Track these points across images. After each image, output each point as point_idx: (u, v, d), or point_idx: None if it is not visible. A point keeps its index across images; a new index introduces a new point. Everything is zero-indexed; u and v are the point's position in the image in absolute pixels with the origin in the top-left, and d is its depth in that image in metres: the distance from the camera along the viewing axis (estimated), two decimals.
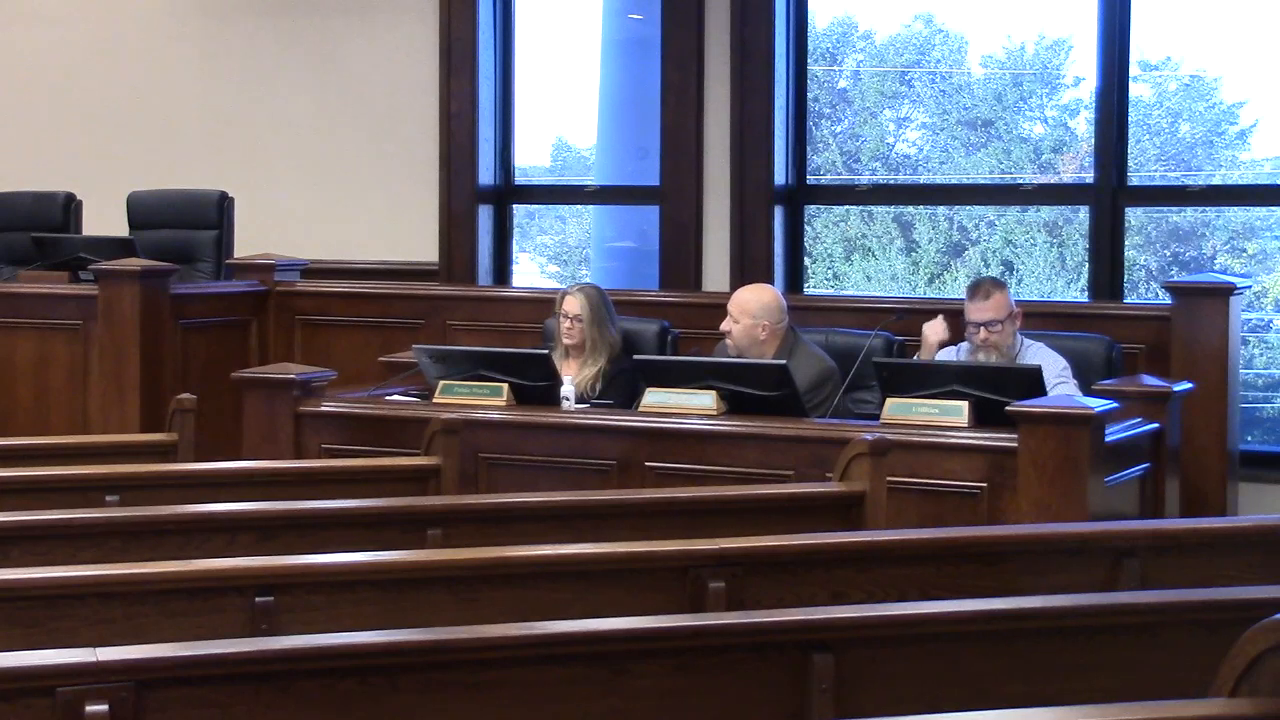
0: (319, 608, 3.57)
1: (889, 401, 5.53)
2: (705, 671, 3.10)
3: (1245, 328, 7.23)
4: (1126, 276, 7.49)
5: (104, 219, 8.39)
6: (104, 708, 2.76)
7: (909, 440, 5.23)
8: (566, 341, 6.55)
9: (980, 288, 6.11)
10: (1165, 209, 7.79)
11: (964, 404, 5.39)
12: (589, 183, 8.88)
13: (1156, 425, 5.58)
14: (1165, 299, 6.61)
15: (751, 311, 6.22)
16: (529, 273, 9.09)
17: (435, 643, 3.01)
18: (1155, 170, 7.87)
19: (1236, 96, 7.81)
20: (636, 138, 8.59)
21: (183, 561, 3.85)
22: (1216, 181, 7.83)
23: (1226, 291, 6.42)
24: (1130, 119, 7.46)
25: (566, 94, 8.98)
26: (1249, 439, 7.30)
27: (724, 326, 6.26)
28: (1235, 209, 7.74)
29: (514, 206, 8.64)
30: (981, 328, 6.05)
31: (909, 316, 6.63)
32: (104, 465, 5.04)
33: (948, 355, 6.29)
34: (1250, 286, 7.07)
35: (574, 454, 5.67)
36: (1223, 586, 3.85)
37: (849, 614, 3.31)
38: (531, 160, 8.94)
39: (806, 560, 3.88)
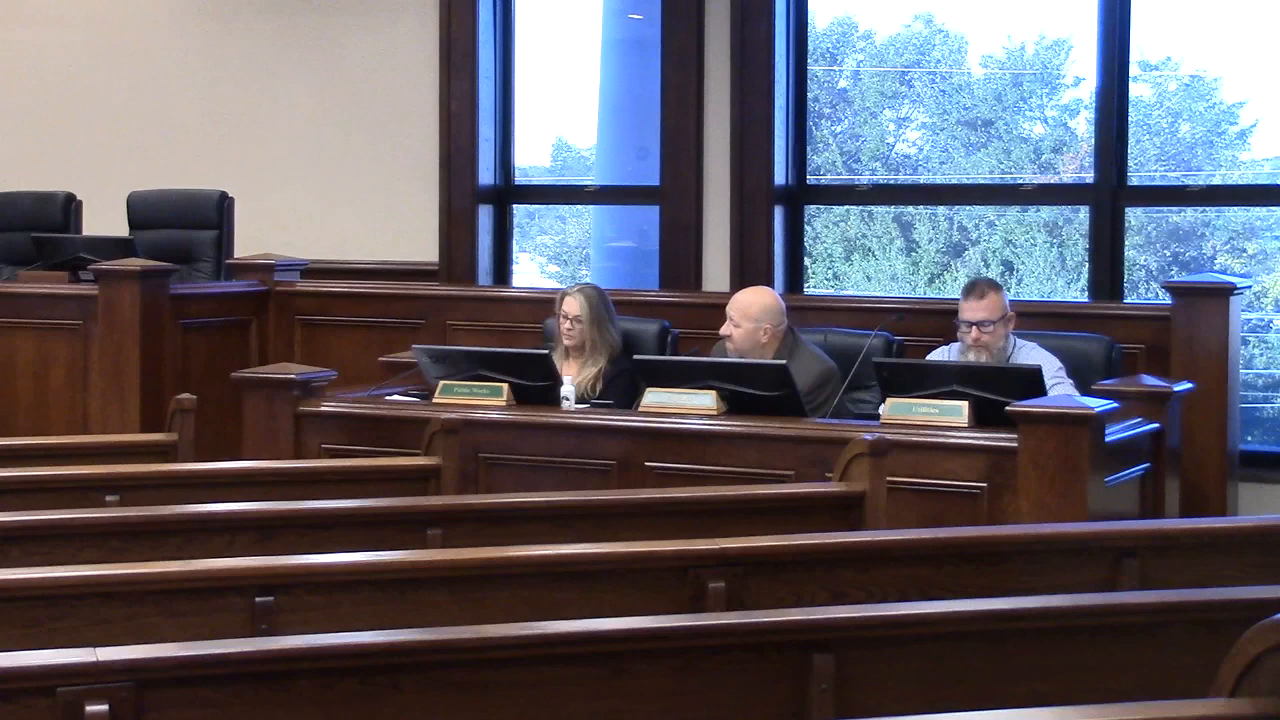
0: (319, 608, 3.57)
1: (889, 401, 5.53)
2: (705, 671, 3.10)
3: (1245, 328, 7.23)
4: (1126, 276, 7.49)
5: (104, 219, 8.39)
6: (104, 708, 2.76)
7: (909, 440, 5.23)
8: (566, 342, 6.55)
9: (976, 287, 6.12)
10: (1165, 209, 7.79)
11: (964, 404, 5.39)
12: (589, 183, 8.88)
13: (1156, 425, 5.58)
14: (1165, 299, 6.61)
15: (753, 315, 6.21)
16: (529, 273, 9.09)
17: (435, 643, 3.01)
18: (1155, 170, 7.87)
19: (1236, 96, 7.81)
20: (636, 138, 8.59)
21: (183, 561, 3.84)
22: (1216, 181, 7.83)
23: (1226, 291, 6.42)
24: (1130, 119, 7.46)
25: (566, 94, 8.99)
26: (1249, 439, 7.30)
27: (724, 331, 6.24)
28: (1235, 209, 7.74)
29: (514, 206, 8.64)
30: (974, 327, 6.05)
31: (909, 316, 6.64)
32: (104, 465, 5.04)
33: (939, 355, 6.29)
34: (1250, 286, 7.07)
35: (574, 454, 5.67)
36: (1223, 586, 3.85)
37: (849, 614, 3.31)
38: (531, 160, 8.95)
39: (806, 560, 3.88)
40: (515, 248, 8.73)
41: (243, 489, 4.79)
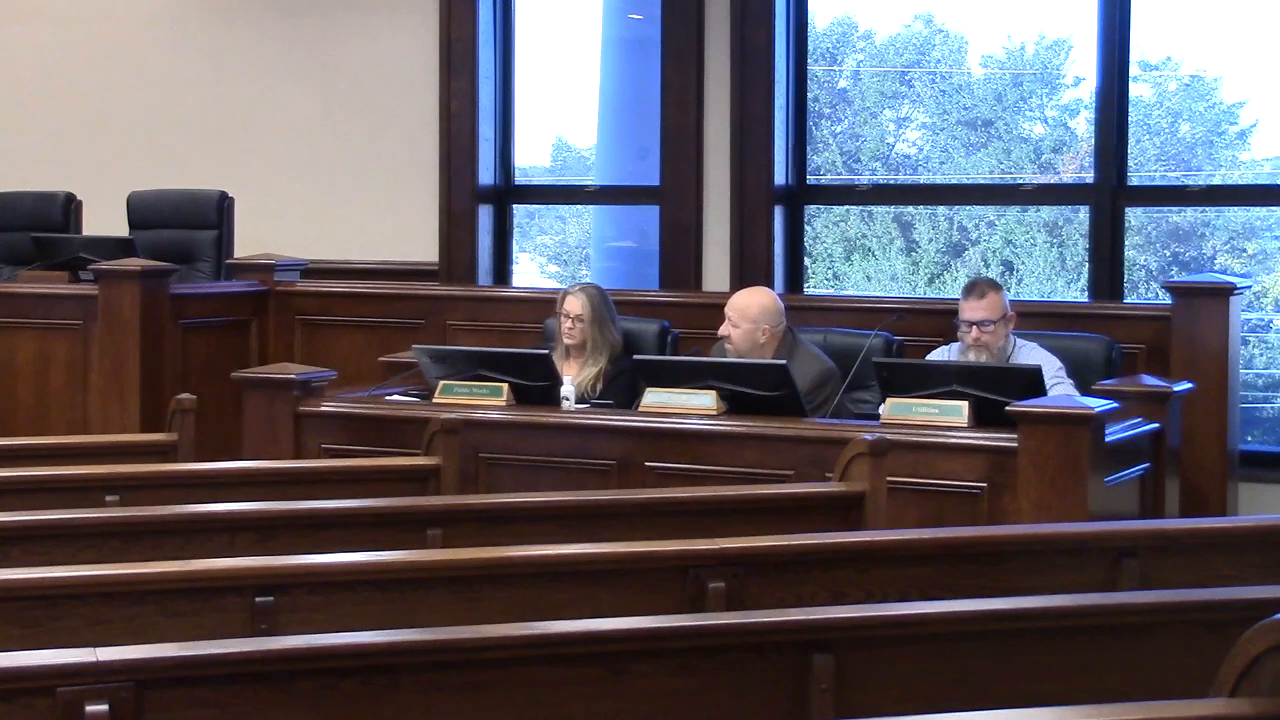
0: (319, 608, 3.57)
1: (889, 401, 5.53)
2: (705, 671, 3.10)
3: (1245, 328, 7.23)
4: (1126, 276, 7.49)
5: (104, 219, 8.39)
6: (104, 708, 2.76)
7: (909, 440, 5.23)
8: (567, 341, 6.55)
9: (976, 287, 6.12)
10: (1165, 209, 7.79)
11: (964, 404, 5.38)
12: (589, 183, 8.88)
13: (1156, 425, 5.58)
14: (1165, 299, 6.61)
15: (751, 316, 6.21)
16: (529, 273, 9.09)
17: (435, 643, 3.01)
18: (1155, 170, 7.87)
19: (1236, 96, 7.81)
20: (636, 138, 8.59)
21: (183, 561, 3.84)
22: (1216, 181, 7.82)
23: (1226, 291, 6.42)
24: (1130, 119, 7.46)
25: (566, 94, 8.98)
26: (1249, 439, 7.30)
27: (722, 331, 6.25)
28: (1235, 209, 7.74)
29: (514, 206, 8.64)
30: (974, 327, 6.05)
31: (909, 316, 6.64)
32: (104, 465, 5.04)
33: (939, 355, 6.30)
34: (1250, 286, 7.07)
35: (574, 454, 5.67)
36: (1223, 586, 3.85)
37: (849, 614, 3.31)
38: (531, 160, 8.94)
39: (806, 560, 3.87)
40: (515, 248, 8.73)
41: (243, 489, 4.80)
